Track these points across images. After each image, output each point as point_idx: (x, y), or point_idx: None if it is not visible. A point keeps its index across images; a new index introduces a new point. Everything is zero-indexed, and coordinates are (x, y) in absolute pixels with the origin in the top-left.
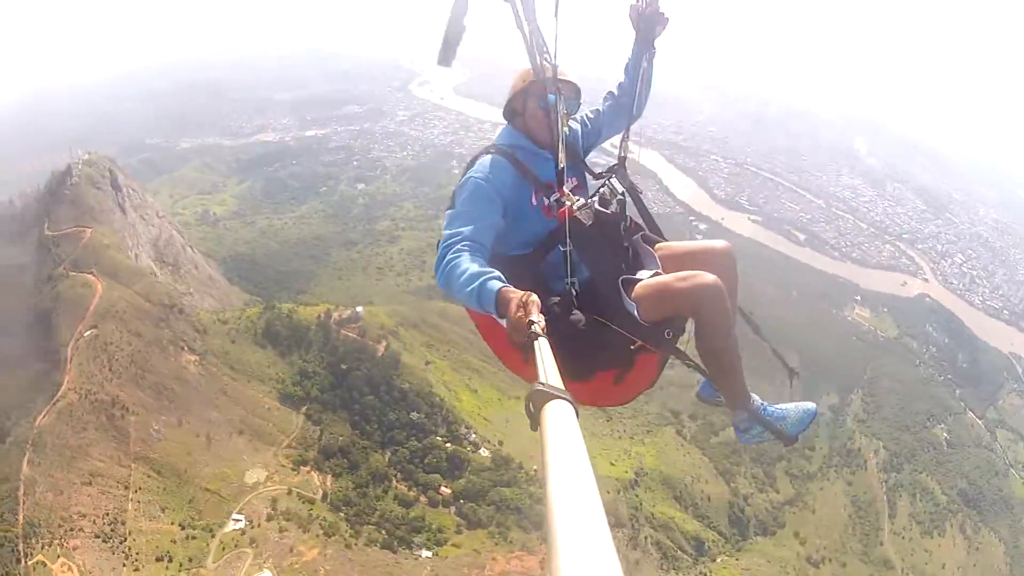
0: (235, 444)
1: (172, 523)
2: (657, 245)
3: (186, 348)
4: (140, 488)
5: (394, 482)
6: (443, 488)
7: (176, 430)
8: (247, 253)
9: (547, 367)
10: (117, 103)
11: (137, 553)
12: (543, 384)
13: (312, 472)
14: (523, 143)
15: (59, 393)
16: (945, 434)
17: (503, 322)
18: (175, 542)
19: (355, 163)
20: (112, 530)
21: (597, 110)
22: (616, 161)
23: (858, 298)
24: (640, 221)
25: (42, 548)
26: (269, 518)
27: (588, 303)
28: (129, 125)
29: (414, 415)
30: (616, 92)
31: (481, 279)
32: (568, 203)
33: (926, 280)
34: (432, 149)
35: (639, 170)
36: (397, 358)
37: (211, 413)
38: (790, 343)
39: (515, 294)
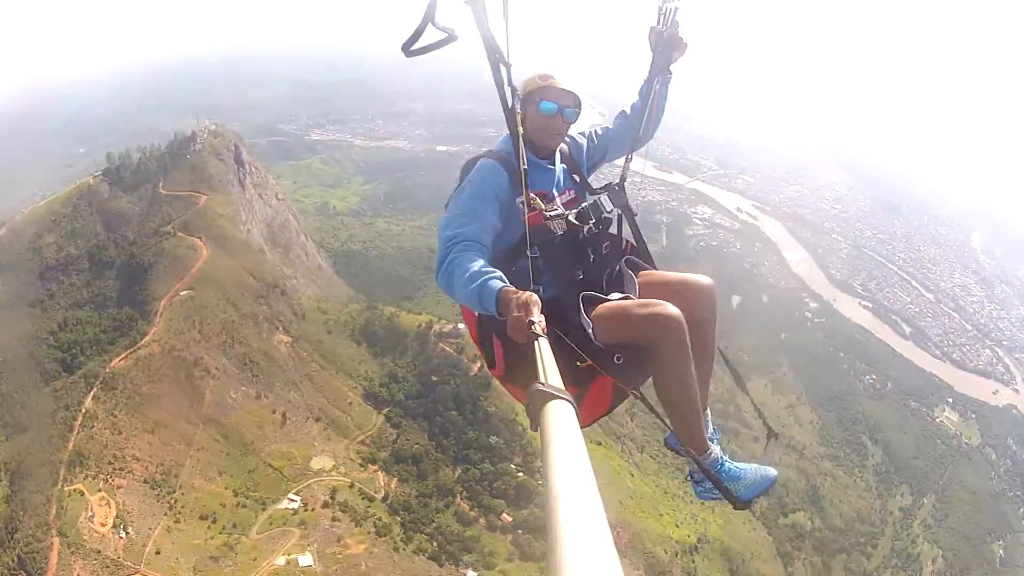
0: (309, 429)
1: (226, 488)
2: (641, 272)
3: (281, 328)
4: (202, 448)
5: (458, 499)
6: (505, 515)
7: (253, 403)
8: (360, 251)
9: (547, 367)
10: (260, 83)
11: (182, 507)
12: (543, 384)
13: (379, 472)
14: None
15: (142, 342)
16: (1001, 551)
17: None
18: (224, 506)
19: None
20: (163, 479)
21: (607, 128)
22: (619, 180)
23: (950, 400)
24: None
25: (85, 479)
26: (325, 505)
27: (550, 314)
28: (267, 106)
29: (493, 439)
30: (628, 112)
31: (483, 278)
32: (537, 208)
33: (1016, 391)
34: None
35: (760, 237)
36: (489, 380)
37: (292, 394)
38: (875, 435)
39: (515, 294)
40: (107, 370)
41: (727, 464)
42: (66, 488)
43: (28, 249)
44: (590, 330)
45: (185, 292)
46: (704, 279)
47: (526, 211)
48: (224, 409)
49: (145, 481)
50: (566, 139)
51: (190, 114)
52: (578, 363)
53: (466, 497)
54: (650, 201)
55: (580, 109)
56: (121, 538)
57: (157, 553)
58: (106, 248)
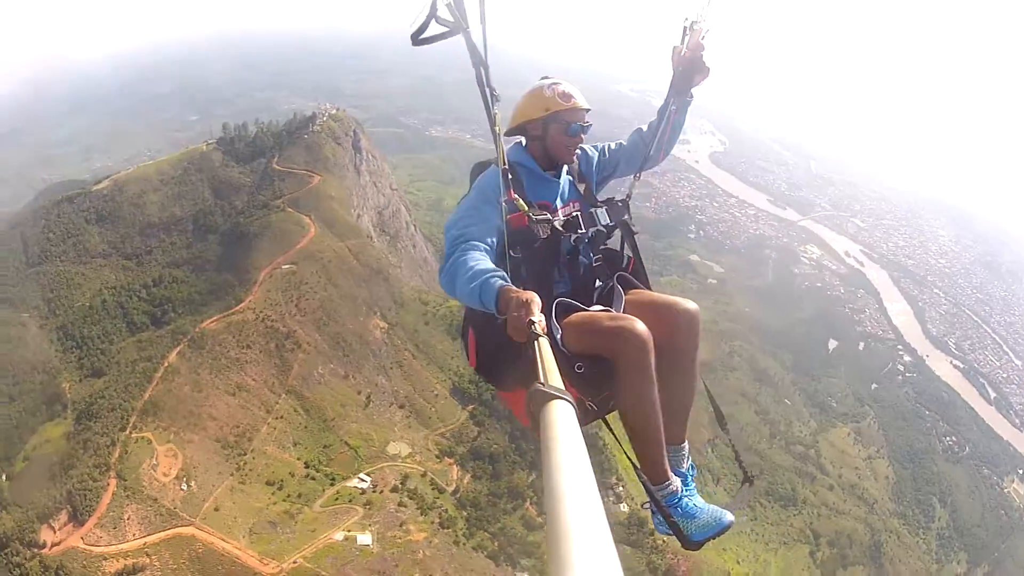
0: (391, 414)
1: (298, 459)
2: (632, 290)
3: (378, 314)
4: (281, 417)
5: (528, 503)
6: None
7: (340, 381)
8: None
9: (547, 367)
10: (382, 73)
11: (250, 470)
12: (543, 384)
13: (454, 465)
14: (528, 163)
15: (237, 307)
16: None
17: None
18: (292, 475)
19: None
20: (235, 441)
21: (620, 143)
22: (624, 196)
23: (1020, 472)
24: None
25: (155, 429)
26: (394, 490)
27: None
28: (387, 97)
29: None
30: (644, 130)
31: (484, 277)
32: (520, 210)
33: None
34: (675, 208)
35: (864, 284)
36: None
37: (379, 379)
38: (945, 497)
39: (516, 293)
40: (197, 329)
41: (685, 500)
42: (134, 435)
43: (131, 204)
44: (558, 335)
45: (287, 266)
46: (690, 304)
47: (504, 208)
48: (309, 383)
49: (217, 440)
50: (579, 151)
51: (309, 95)
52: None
53: (536, 502)
54: (760, 235)
55: (590, 123)
56: (182, 490)
57: (216, 510)
58: (212, 214)
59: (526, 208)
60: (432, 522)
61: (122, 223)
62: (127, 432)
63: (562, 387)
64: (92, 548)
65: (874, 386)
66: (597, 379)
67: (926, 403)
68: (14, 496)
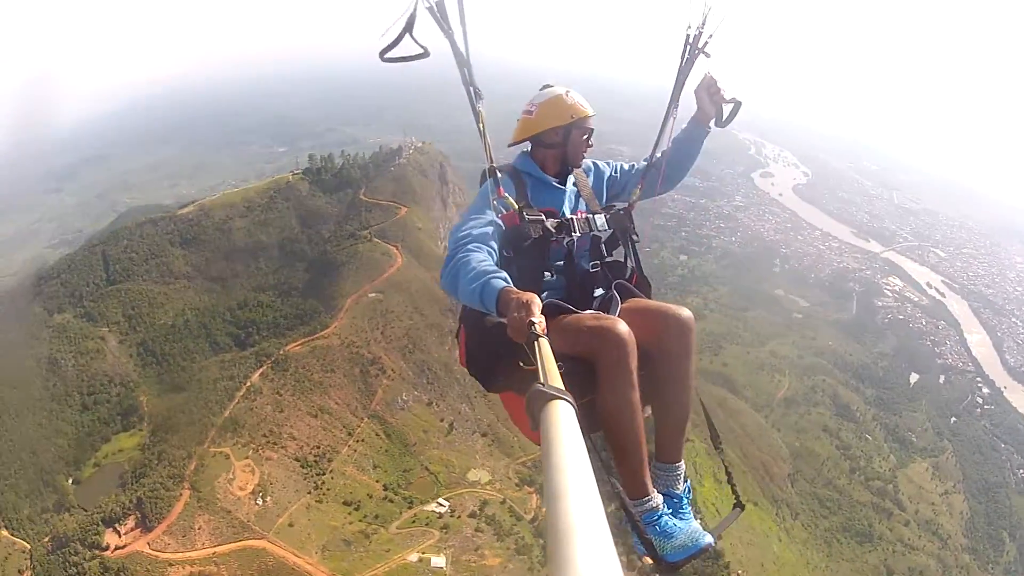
0: (473, 442)
1: (377, 481)
2: (630, 299)
3: None
4: (363, 440)
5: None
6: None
7: (423, 408)
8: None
9: (547, 368)
10: (468, 109)
11: (328, 489)
12: (543, 384)
13: (534, 494)
14: (533, 170)
15: (322, 332)
16: None
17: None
18: (370, 496)
19: (683, 233)
20: (315, 461)
21: (633, 165)
22: (627, 204)
23: None
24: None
25: (234, 445)
26: (472, 515)
27: None
28: (474, 132)
29: None
30: (662, 158)
31: (486, 277)
32: (511, 209)
33: None
34: (760, 242)
35: (945, 315)
36: None
37: (463, 407)
38: (1016, 531)
39: (516, 294)
40: (281, 352)
41: (664, 519)
42: (212, 449)
43: (216, 229)
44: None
45: (373, 294)
46: (682, 311)
47: (496, 206)
48: (393, 409)
49: (296, 459)
50: (590, 165)
51: (396, 129)
52: (521, 363)
53: (615, 535)
54: (844, 267)
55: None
56: (256, 504)
57: (290, 525)
58: (299, 241)
59: (516, 207)
60: (508, 548)
61: (207, 247)
62: (204, 446)
63: (562, 387)
64: (158, 553)
65: (953, 420)
66: (579, 382)
67: (1002, 436)
68: (79, 499)
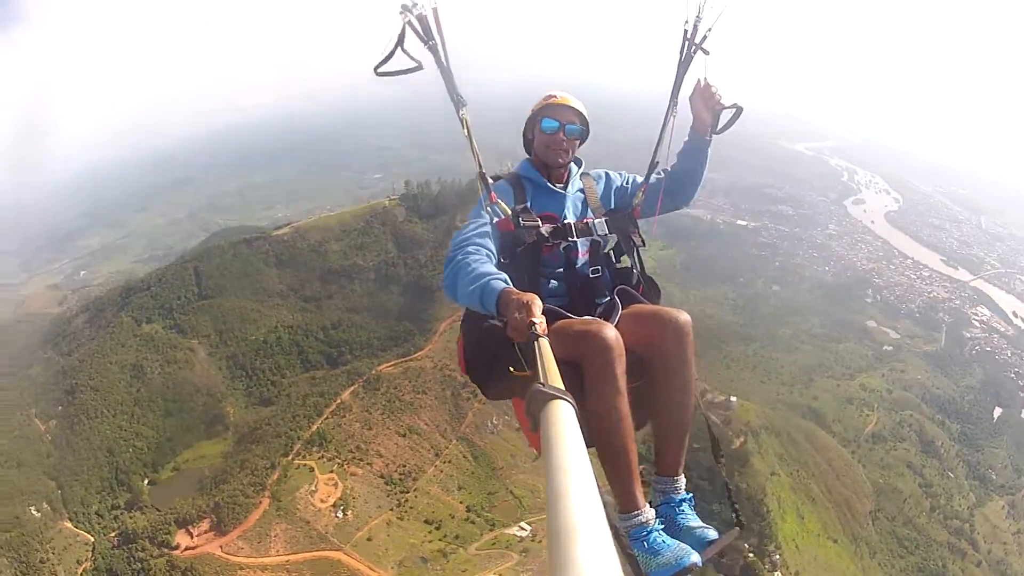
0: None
1: (460, 502)
2: (632, 305)
3: None
4: (449, 461)
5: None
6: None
7: (512, 433)
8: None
9: (548, 368)
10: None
11: (411, 507)
12: (543, 385)
13: None
14: (534, 176)
15: (416, 354)
16: None
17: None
18: (452, 517)
19: (777, 263)
20: (400, 479)
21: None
22: (630, 208)
23: None
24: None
25: (320, 459)
26: None
27: None
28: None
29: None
30: (667, 171)
31: (486, 279)
32: (505, 215)
33: None
34: (852, 272)
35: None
36: (747, 457)
37: None
38: None
39: (517, 295)
40: (373, 371)
41: (654, 535)
42: (296, 461)
43: (312, 251)
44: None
45: None
46: (679, 314)
47: (489, 212)
48: (482, 432)
49: (381, 476)
50: (601, 174)
51: (492, 157)
52: (510, 368)
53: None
54: (934, 297)
55: (586, 127)
56: (336, 517)
57: (368, 540)
58: (395, 265)
59: (509, 212)
60: None
61: (302, 267)
62: (289, 458)
63: (563, 388)
64: (230, 556)
65: None
66: (570, 389)
67: None
68: (153, 500)
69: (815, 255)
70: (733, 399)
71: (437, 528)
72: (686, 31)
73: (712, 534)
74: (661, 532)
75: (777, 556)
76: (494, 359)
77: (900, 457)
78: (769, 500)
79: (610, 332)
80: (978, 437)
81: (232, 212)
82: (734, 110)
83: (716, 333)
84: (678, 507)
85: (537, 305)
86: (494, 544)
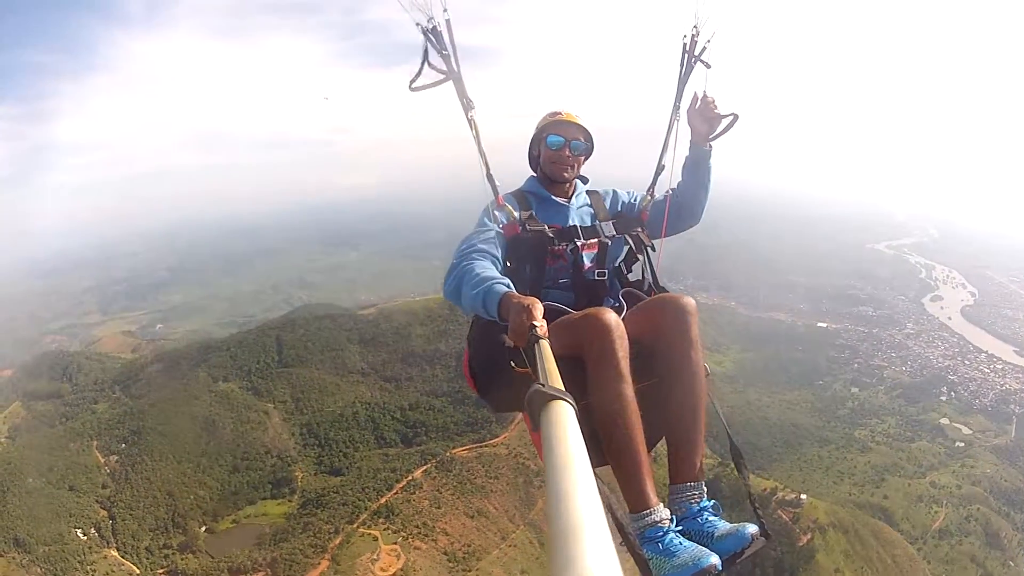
0: (625, 558)
1: None
2: (638, 304)
3: None
4: (514, 546)
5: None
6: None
7: None
8: (727, 414)
9: (548, 369)
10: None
11: None
12: (543, 385)
13: None
14: (538, 191)
15: (491, 440)
16: None
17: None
18: None
19: (855, 365)
20: (463, 558)
21: (655, 199)
22: (637, 211)
23: None
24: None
25: (385, 530)
26: None
27: None
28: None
29: None
30: (676, 189)
31: (488, 283)
32: (510, 219)
33: None
34: (929, 370)
35: None
36: (813, 554)
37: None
38: None
39: (518, 298)
40: (448, 453)
41: (670, 536)
42: (361, 529)
43: (395, 332)
44: None
45: None
46: (681, 296)
47: (496, 217)
48: None
49: (445, 553)
50: (608, 190)
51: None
52: (512, 363)
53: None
54: (1007, 390)
55: (591, 144)
56: None
57: None
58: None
59: (516, 216)
60: None
61: (384, 348)
62: (354, 525)
63: (563, 388)
64: None
65: None
66: (574, 385)
67: None
68: (208, 547)
69: (893, 355)
70: (803, 496)
71: None
72: (685, 44)
73: (751, 528)
74: (678, 534)
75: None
76: (499, 370)
77: (965, 551)
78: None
79: (609, 315)
80: None
81: (318, 289)
82: (731, 118)
83: (793, 435)
84: (700, 517)
85: (538, 308)
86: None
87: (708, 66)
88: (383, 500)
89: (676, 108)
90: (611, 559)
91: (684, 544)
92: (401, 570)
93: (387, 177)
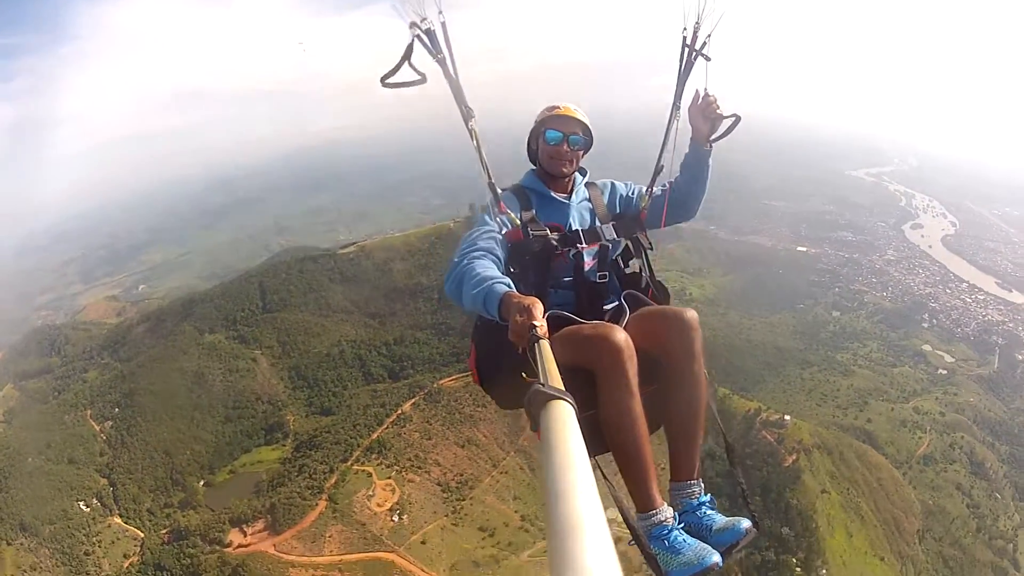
0: (617, 481)
1: (515, 511)
2: (642, 307)
3: None
4: (506, 472)
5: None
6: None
7: None
8: (707, 337)
9: (548, 369)
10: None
11: (465, 514)
12: (543, 385)
13: None
14: (538, 187)
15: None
16: None
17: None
18: (506, 525)
19: (836, 289)
20: (456, 487)
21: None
22: (638, 212)
23: None
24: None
25: (378, 465)
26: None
27: None
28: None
29: (785, 530)
30: (673, 184)
31: (489, 283)
32: (513, 225)
33: None
34: (910, 297)
35: None
36: (799, 474)
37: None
38: None
39: (518, 298)
40: (435, 384)
41: (674, 533)
42: (355, 467)
43: (376, 269)
44: None
45: None
46: (685, 311)
47: (499, 223)
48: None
49: (438, 483)
50: (607, 183)
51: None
52: (523, 374)
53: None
54: (989, 320)
55: (590, 137)
56: (392, 521)
57: (422, 543)
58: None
59: (518, 222)
60: None
61: (367, 285)
62: (348, 463)
63: (563, 388)
64: (283, 555)
65: None
66: (583, 395)
67: None
68: (208, 500)
69: (874, 280)
70: (787, 418)
71: (491, 535)
72: (685, 37)
73: (745, 522)
74: (681, 531)
75: (824, 571)
76: (504, 368)
77: (950, 479)
78: (819, 516)
79: (620, 335)
80: None
81: (295, 234)
82: (732, 119)
83: (775, 357)
84: (699, 511)
85: (538, 308)
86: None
87: (708, 59)
88: (374, 436)
89: (676, 106)
90: (611, 558)
91: (688, 541)
92: (397, 504)
93: (363, 120)
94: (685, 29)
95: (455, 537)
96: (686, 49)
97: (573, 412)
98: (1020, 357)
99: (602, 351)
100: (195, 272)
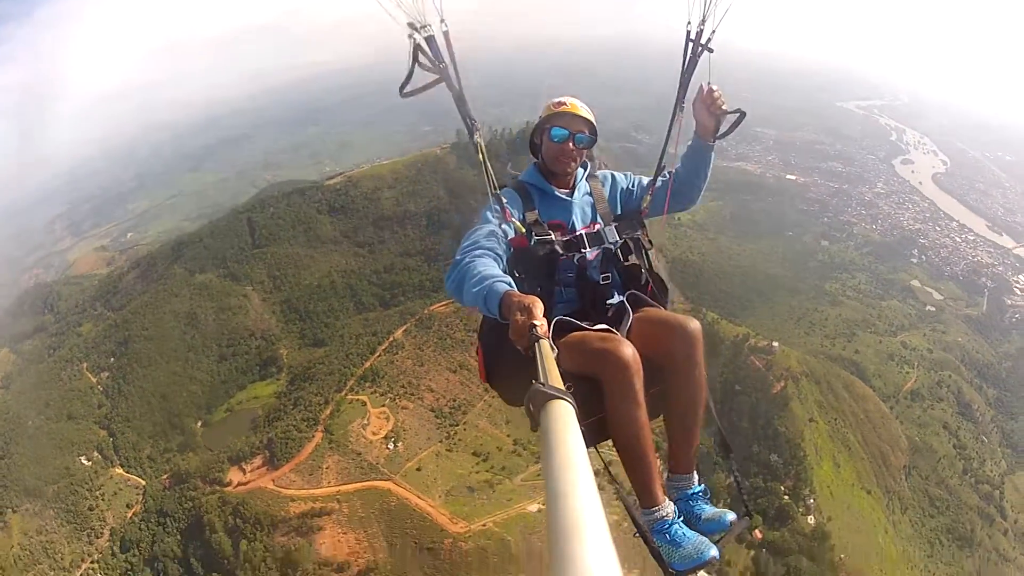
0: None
1: (508, 435)
2: (644, 309)
3: None
4: (497, 396)
5: (720, 504)
6: (757, 532)
7: None
8: (696, 261)
9: (548, 368)
10: (620, 91)
11: (459, 440)
12: (543, 384)
13: (658, 459)
14: (540, 183)
15: None
16: None
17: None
18: (500, 449)
19: (825, 219)
20: (450, 413)
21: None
22: (639, 212)
23: None
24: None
25: (372, 394)
26: (597, 473)
27: None
28: (623, 114)
29: (773, 457)
30: (675, 174)
31: (490, 281)
32: (519, 233)
33: None
34: (899, 231)
35: None
36: (787, 402)
37: None
38: None
39: (519, 297)
40: (426, 311)
41: (675, 527)
42: (349, 396)
43: (364, 198)
44: (554, 355)
45: None
46: (690, 322)
47: (504, 231)
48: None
49: (432, 410)
50: (607, 176)
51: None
52: (533, 381)
53: (727, 504)
54: (978, 262)
55: (595, 135)
56: (388, 449)
57: (418, 470)
58: (446, 211)
59: (523, 230)
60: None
61: (355, 215)
62: (342, 393)
63: (562, 387)
64: (281, 490)
65: None
66: (588, 401)
67: None
68: (206, 441)
69: (863, 212)
70: (775, 344)
71: (484, 460)
72: (688, 32)
73: (731, 515)
74: (681, 524)
75: (811, 500)
76: (513, 366)
77: (937, 416)
78: (807, 445)
79: (628, 350)
80: (1013, 405)
81: (282, 168)
82: (737, 115)
83: (764, 284)
84: (693, 500)
85: (538, 307)
86: (539, 476)
87: (711, 51)
88: (367, 364)
89: (680, 102)
90: (611, 558)
91: (688, 535)
92: (391, 431)
93: (345, 53)
94: (689, 24)
95: (449, 463)
96: (690, 44)
97: (573, 411)
98: (1009, 302)
99: (611, 366)
100: (183, 215)
